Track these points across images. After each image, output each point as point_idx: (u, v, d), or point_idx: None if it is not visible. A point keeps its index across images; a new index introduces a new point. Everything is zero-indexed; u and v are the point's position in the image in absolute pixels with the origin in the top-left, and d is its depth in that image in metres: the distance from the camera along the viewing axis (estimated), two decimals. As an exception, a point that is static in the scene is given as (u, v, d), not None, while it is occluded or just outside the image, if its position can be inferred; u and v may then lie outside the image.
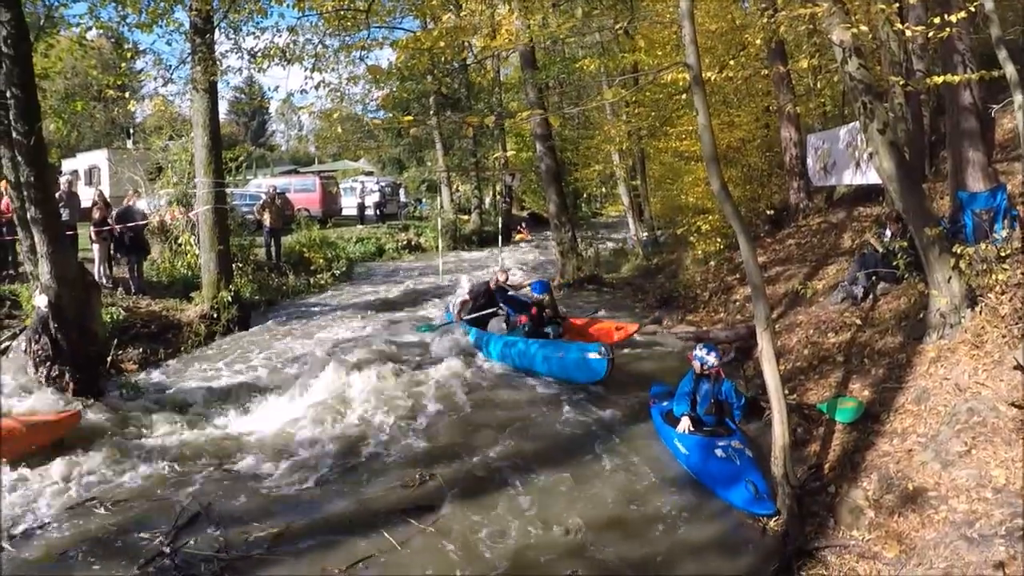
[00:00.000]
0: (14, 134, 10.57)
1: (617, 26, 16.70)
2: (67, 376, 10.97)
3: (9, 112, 10.56)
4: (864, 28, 8.75)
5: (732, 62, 14.32)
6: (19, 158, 10.72)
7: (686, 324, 15.24)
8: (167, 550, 7.06)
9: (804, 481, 7.71)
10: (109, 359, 12.44)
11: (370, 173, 54.32)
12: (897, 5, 10.89)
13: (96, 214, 16.76)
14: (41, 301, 11.08)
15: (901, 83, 10.91)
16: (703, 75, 8.24)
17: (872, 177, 13.47)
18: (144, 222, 17.41)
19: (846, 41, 8.53)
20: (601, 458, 9.08)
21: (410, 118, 14.28)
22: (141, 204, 18.82)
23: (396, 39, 15.50)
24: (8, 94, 10.50)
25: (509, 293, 14.55)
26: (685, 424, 8.84)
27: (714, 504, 7.85)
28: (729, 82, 15.02)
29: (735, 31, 17.00)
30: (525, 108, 24.70)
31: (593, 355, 11.58)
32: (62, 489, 8.37)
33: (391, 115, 30.65)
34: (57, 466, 8.78)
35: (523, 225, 39.13)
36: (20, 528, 7.48)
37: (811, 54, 13.93)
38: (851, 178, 15.37)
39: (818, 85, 18.89)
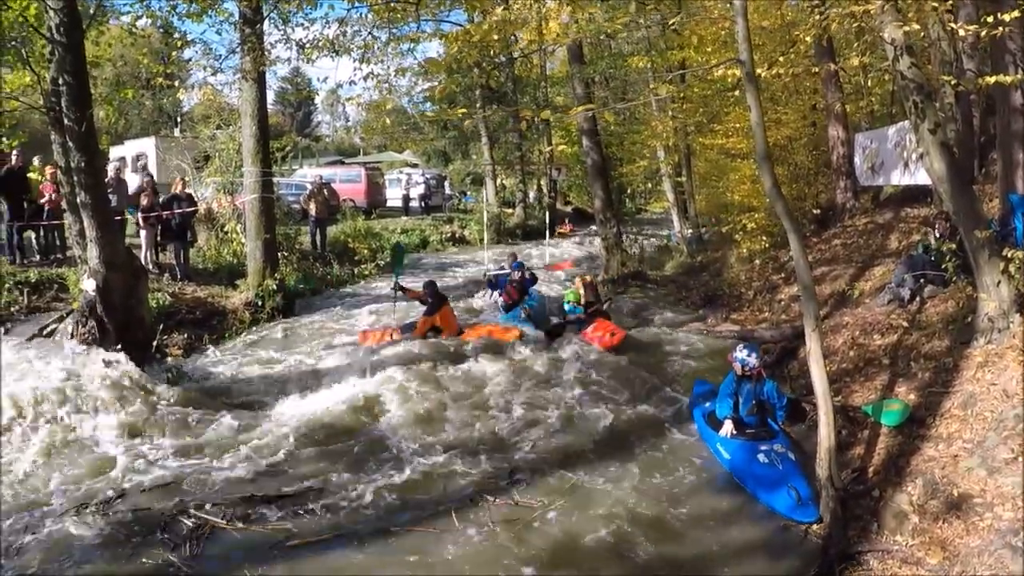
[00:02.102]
0: (66, 120, 10.72)
1: (672, 22, 16.58)
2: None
3: (62, 99, 10.72)
4: (916, 26, 8.61)
5: (781, 59, 14.18)
6: (70, 144, 10.87)
7: (730, 323, 15.15)
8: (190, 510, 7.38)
9: (848, 484, 7.64)
10: (155, 344, 12.55)
11: (415, 165, 54.63)
12: (949, 3, 10.73)
13: (144, 200, 16.94)
14: (89, 285, 11.23)
15: (952, 83, 10.76)
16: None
17: (920, 178, 13.30)
18: (192, 209, 17.56)
19: (898, 39, 8.40)
20: (643, 458, 9.05)
21: (464, 110, 14.40)
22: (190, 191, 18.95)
23: (445, 32, 15.50)
24: (61, 81, 10.65)
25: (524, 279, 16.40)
26: (728, 428, 8.79)
27: (756, 508, 7.82)
28: (777, 79, 14.91)
29: (784, 28, 16.80)
30: (571, 102, 24.66)
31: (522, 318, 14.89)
32: (110, 467, 8.50)
33: (439, 107, 30.76)
34: (108, 447, 8.99)
35: (567, 220, 39.10)
36: (68, 504, 7.58)
37: (861, 52, 13.75)
38: (899, 178, 15.17)
39: (868, 83, 18.64)
